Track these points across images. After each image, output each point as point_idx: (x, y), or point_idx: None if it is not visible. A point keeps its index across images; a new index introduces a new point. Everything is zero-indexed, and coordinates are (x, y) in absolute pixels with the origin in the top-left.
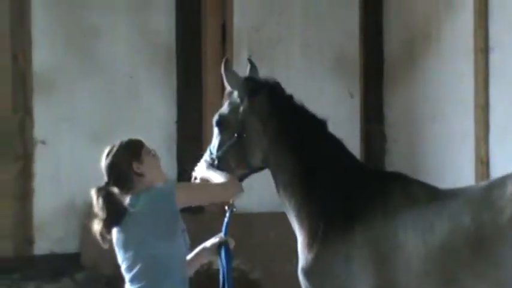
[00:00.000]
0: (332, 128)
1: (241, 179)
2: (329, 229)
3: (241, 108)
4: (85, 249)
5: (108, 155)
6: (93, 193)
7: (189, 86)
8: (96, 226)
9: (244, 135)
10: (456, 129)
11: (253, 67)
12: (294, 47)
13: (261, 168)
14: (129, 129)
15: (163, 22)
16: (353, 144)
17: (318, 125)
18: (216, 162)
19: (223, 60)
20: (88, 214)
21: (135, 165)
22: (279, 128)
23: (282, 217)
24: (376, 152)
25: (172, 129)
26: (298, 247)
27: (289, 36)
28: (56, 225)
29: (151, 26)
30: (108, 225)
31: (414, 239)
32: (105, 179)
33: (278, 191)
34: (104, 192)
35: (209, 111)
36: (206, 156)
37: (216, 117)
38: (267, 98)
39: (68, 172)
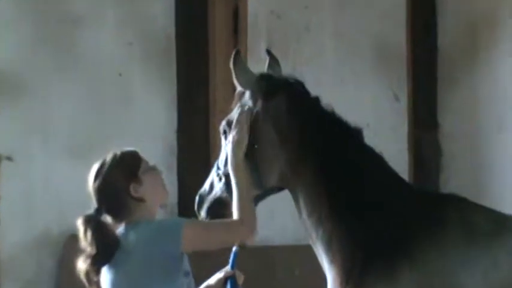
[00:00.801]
0: (371, 139)
1: (254, 202)
2: (368, 266)
3: (253, 113)
4: None
5: (97, 175)
6: (81, 223)
7: (193, 86)
8: (82, 264)
9: (256, 146)
10: None
11: (273, 61)
12: (324, 37)
13: (278, 189)
14: (118, 141)
15: (160, 7)
16: (398, 159)
17: (352, 135)
18: (223, 180)
19: (233, 52)
20: (66, 248)
21: (132, 188)
22: (301, 139)
23: (309, 251)
24: (428, 169)
25: (172, 139)
26: (328, 286)
27: (318, 23)
28: (27, 262)
29: (145, 12)
30: (97, 263)
31: (475, 280)
32: (95, 205)
33: (301, 218)
34: (94, 223)
35: (217, 117)
36: (213, 173)
37: (223, 124)
38: (287, 101)
39: (42, 196)
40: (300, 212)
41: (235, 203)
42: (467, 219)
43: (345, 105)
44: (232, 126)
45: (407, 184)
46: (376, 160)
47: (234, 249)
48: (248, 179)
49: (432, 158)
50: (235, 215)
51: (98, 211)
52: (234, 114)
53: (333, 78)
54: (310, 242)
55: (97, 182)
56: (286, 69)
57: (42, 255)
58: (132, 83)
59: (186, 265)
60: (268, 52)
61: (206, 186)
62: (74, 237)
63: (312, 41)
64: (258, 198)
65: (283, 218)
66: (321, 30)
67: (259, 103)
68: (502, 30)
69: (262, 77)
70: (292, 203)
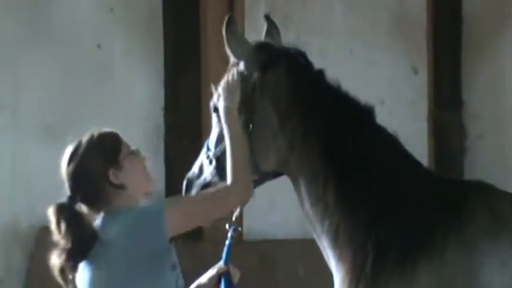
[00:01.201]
0: (386, 118)
1: None
2: (381, 263)
3: (248, 88)
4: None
5: (71, 158)
6: (52, 212)
7: (182, 59)
8: (56, 260)
9: (251, 125)
10: None
11: (272, 28)
12: (333, 2)
13: (276, 174)
14: (97, 121)
15: None
16: (417, 140)
17: (362, 114)
18: (214, 162)
19: (226, 18)
20: (37, 241)
21: (111, 174)
22: (304, 118)
23: (315, 245)
24: (452, 152)
25: (159, 118)
26: (335, 286)
27: None
28: None
29: None
30: (73, 258)
31: (502, 280)
32: (69, 192)
33: (304, 209)
34: (68, 212)
35: (209, 92)
36: (203, 155)
37: (213, 100)
38: (286, 74)
39: (9, 183)
40: (302, 202)
41: (228, 163)
42: (493, 209)
43: (355, 79)
44: (221, 92)
45: (425, 169)
46: (389, 142)
47: (227, 242)
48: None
49: (455, 139)
50: (228, 178)
51: (72, 199)
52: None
53: (342, 49)
54: (314, 236)
55: (71, 166)
56: (289, 38)
57: (9, 249)
58: (113, 56)
59: (174, 256)
60: (267, 18)
61: (195, 169)
62: (45, 230)
63: (319, 6)
64: (253, 184)
65: (285, 209)
66: None
67: (255, 76)
68: None
69: (259, 46)
70: (294, 192)
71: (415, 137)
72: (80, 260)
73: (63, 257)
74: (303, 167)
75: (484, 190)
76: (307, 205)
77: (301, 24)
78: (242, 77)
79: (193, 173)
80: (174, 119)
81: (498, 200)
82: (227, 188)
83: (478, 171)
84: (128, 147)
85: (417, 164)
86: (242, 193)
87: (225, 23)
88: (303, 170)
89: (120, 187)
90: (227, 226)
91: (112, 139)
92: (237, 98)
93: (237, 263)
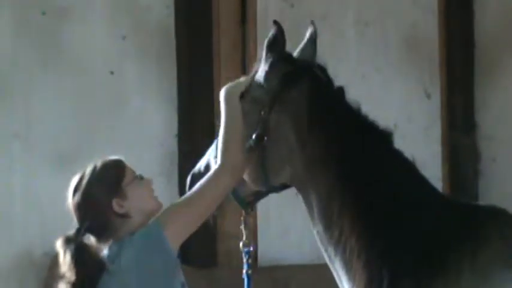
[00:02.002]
0: (399, 143)
1: (254, 200)
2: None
3: (267, 99)
4: None
5: (76, 189)
6: (60, 246)
7: (195, 85)
8: None
9: (266, 138)
10: None
11: (311, 40)
12: (345, 26)
13: (283, 187)
14: (110, 148)
15: None
16: (431, 164)
17: (380, 137)
18: None
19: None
20: (50, 270)
21: (115, 204)
22: (323, 137)
23: (329, 270)
24: (466, 176)
25: (173, 146)
26: None
27: (339, 10)
28: (6, 286)
29: (141, 0)
30: (80, 284)
31: None
32: (76, 224)
33: (316, 231)
34: (74, 245)
35: None
36: (210, 153)
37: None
38: (309, 90)
39: (22, 211)
40: (314, 223)
41: (219, 143)
42: (508, 236)
43: (368, 104)
44: None
45: (440, 194)
46: (407, 167)
47: (244, 271)
48: (252, 175)
49: (470, 163)
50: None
51: (79, 231)
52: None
53: (354, 73)
54: (326, 259)
55: (76, 198)
56: None
57: (23, 278)
58: (126, 82)
59: (181, 275)
60: (313, 23)
61: (201, 165)
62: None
63: (331, 31)
64: (259, 196)
65: (299, 234)
66: (342, 19)
67: (276, 88)
68: None
69: (283, 57)
70: (309, 217)
71: (429, 162)
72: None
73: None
74: (318, 188)
75: (497, 215)
76: (320, 227)
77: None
78: (261, 86)
79: (199, 169)
80: (187, 146)
81: (510, 224)
82: (215, 171)
83: (492, 194)
84: (132, 173)
85: (433, 189)
86: (232, 172)
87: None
88: (319, 191)
89: (125, 216)
90: (240, 245)
91: (114, 167)
92: (242, 86)
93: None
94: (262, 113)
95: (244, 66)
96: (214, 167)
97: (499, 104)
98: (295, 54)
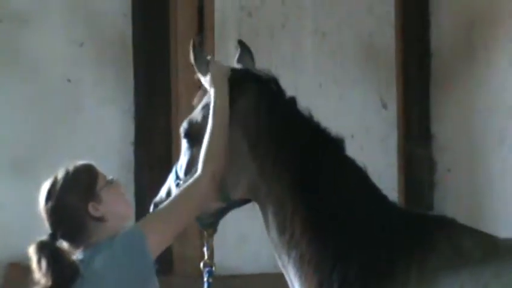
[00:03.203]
0: (356, 153)
1: (215, 220)
2: None
3: None
4: None
5: (49, 195)
6: (33, 251)
7: (153, 94)
8: None
9: None
10: None
11: (245, 54)
12: (303, 37)
13: (244, 201)
14: (66, 155)
15: (115, 2)
16: (387, 174)
17: (332, 145)
18: None
19: (193, 39)
20: (7, 279)
21: (91, 207)
22: (275, 146)
23: (285, 280)
24: (421, 186)
25: (129, 153)
26: None
27: (296, 20)
28: None
29: (99, 8)
30: None
31: None
32: (50, 229)
33: (270, 237)
34: (49, 250)
35: (180, 126)
36: (171, 180)
37: (184, 126)
38: (257, 100)
39: None
40: (268, 230)
41: (202, 150)
42: (457, 244)
43: (325, 114)
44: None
45: (391, 202)
46: (357, 175)
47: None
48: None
49: (425, 173)
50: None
51: (53, 236)
52: (197, 114)
53: (311, 83)
54: (280, 265)
55: (49, 203)
56: None
57: None
58: (83, 90)
59: (156, 282)
60: (240, 43)
61: (162, 193)
62: (15, 266)
63: (288, 41)
64: (222, 212)
65: (256, 244)
66: (300, 29)
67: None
68: (502, 30)
69: (231, 70)
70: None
71: (385, 172)
72: None
73: None
74: (271, 196)
75: (445, 223)
76: (273, 234)
77: (271, 58)
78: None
79: (161, 197)
80: (144, 154)
81: (458, 234)
82: (196, 178)
83: (447, 204)
84: (104, 177)
85: (383, 197)
86: (213, 179)
87: (191, 44)
88: (272, 199)
89: (101, 219)
90: (201, 266)
91: (87, 172)
92: (226, 89)
93: None
94: None
95: None
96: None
97: (455, 114)
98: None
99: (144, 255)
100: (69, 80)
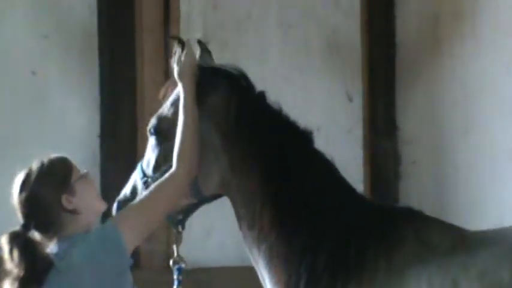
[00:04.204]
0: (322, 145)
1: (184, 217)
2: (313, 286)
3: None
4: None
5: (23, 186)
6: (5, 241)
7: (118, 86)
8: None
9: None
10: (500, 145)
11: (205, 54)
12: (268, 29)
13: (214, 197)
14: (32, 149)
15: None
16: (353, 166)
17: (301, 138)
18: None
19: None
20: None
21: (64, 199)
22: (246, 141)
23: (254, 273)
24: (387, 178)
25: (95, 145)
26: None
27: (261, 13)
28: None
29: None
30: (27, 286)
31: None
32: (22, 220)
33: (242, 231)
34: (22, 241)
35: (146, 118)
36: (136, 177)
37: (153, 122)
38: (227, 95)
39: None
40: (240, 225)
41: (175, 146)
42: (423, 236)
43: (291, 105)
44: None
45: (359, 195)
46: (326, 168)
47: (175, 282)
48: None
49: (390, 165)
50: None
51: (25, 227)
52: (166, 110)
53: (277, 76)
54: (251, 259)
55: (23, 194)
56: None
57: None
58: (48, 82)
59: (131, 276)
60: (200, 43)
61: (127, 190)
62: None
63: (254, 34)
64: (191, 208)
65: (221, 236)
66: (264, 22)
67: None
68: (467, 24)
69: (198, 68)
70: (232, 218)
71: (351, 164)
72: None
73: (16, 285)
74: (241, 190)
75: (412, 216)
76: (244, 228)
77: (237, 50)
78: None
79: (125, 195)
80: (110, 147)
81: (426, 226)
82: (171, 173)
83: (412, 196)
84: (78, 170)
85: (351, 190)
86: (188, 174)
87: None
88: (242, 193)
89: (74, 212)
90: (171, 263)
91: (62, 164)
92: (193, 83)
93: None
94: None
95: (168, 66)
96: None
97: (420, 107)
98: None
99: (119, 251)
100: (33, 73)
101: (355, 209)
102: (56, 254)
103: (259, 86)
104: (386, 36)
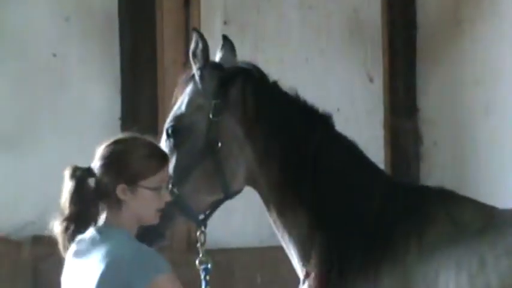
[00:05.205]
0: (342, 126)
1: (208, 215)
2: (346, 267)
3: (210, 108)
4: None
5: (117, 142)
6: (68, 172)
7: (139, 68)
8: (58, 226)
9: (220, 144)
10: None
11: (227, 48)
12: (288, 10)
13: (238, 192)
14: (53, 130)
15: None
16: (374, 148)
17: (321, 122)
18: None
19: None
20: None
21: (121, 188)
22: (266, 130)
23: (273, 254)
24: (407, 158)
25: (116, 128)
26: None
27: None
28: None
29: None
30: (72, 221)
31: (460, 283)
32: (95, 164)
33: (272, 218)
34: (80, 176)
35: (167, 101)
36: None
37: (171, 123)
38: (244, 88)
39: None
40: (270, 214)
41: None
42: (454, 216)
43: (312, 87)
44: None
45: (387, 176)
46: (352, 151)
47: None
48: (209, 186)
49: (411, 146)
50: None
51: (90, 171)
52: (182, 109)
53: (297, 57)
54: (283, 244)
55: (109, 148)
56: (246, 46)
57: None
58: (68, 65)
59: None
60: (225, 38)
61: None
62: (2, 241)
63: (274, 15)
64: (217, 204)
65: (242, 218)
66: (285, 2)
67: (215, 95)
68: (488, 3)
69: (214, 67)
70: (251, 201)
71: (371, 145)
72: (79, 229)
73: (64, 224)
74: (270, 180)
75: (444, 195)
76: (274, 215)
77: (258, 33)
78: (201, 100)
79: None
80: (130, 129)
81: (457, 205)
82: None
83: (432, 177)
84: (163, 180)
85: (379, 171)
86: None
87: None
88: (271, 183)
89: (118, 204)
90: (197, 263)
91: (157, 160)
92: None
93: (194, 272)
94: (211, 116)
95: (187, 48)
96: None
97: (441, 87)
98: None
99: (145, 279)
100: (54, 55)
101: (385, 190)
102: (98, 229)
103: (279, 68)
104: (407, 17)
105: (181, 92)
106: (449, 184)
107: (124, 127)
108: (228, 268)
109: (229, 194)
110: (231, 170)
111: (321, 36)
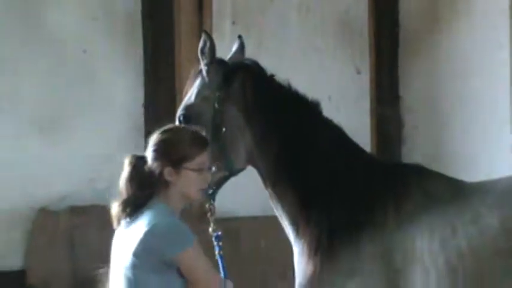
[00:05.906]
0: (334, 113)
1: (216, 189)
2: (334, 235)
3: (216, 99)
4: (31, 266)
5: (169, 129)
6: (127, 159)
7: (159, 62)
8: (116, 209)
9: (224, 129)
10: (492, 112)
11: (238, 46)
12: (289, 12)
13: (242, 169)
14: (82, 117)
15: None
16: (362, 132)
17: (310, 108)
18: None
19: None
20: (35, 224)
21: (168, 171)
22: (263, 116)
23: (275, 221)
24: (391, 142)
25: (139, 115)
26: (294, 259)
27: None
28: None
29: None
30: (129, 204)
31: (432, 249)
32: (148, 152)
33: (268, 191)
34: (138, 162)
35: (183, 90)
36: None
37: (182, 111)
38: (244, 80)
39: (7, 170)
40: (265, 185)
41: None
42: (425, 187)
43: (308, 78)
44: None
45: (369, 155)
46: (338, 133)
47: (217, 252)
48: (216, 164)
49: (394, 131)
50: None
51: (143, 158)
52: (193, 99)
53: (296, 53)
54: (277, 214)
55: (161, 136)
56: (251, 44)
57: (9, 230)
58: (97, 60)
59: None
60: (239, 37)
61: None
62: (43, 211)
63: (276, 16)
64: (223, 180)
65: (247, 190)
66: (286, 5)
67: (220, 87)
68: (463, 2)
69: (218, 63)
70: (255, 176)
71: (359, 130)
72: (133, 210)
73: (122, 206)
74: (266, 160)
75: (420, 171)
76: (269, 189)
77: (261, 32)
78: (207, 92)
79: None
80: (152, 115)
81: (431, 180)
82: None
83: (413, 158)
84: (204, 162)
85: (362, 150)
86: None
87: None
88: (266, 162)
89: (165, 184)
90: (210, 231)
91: (198, 146)
92: None
93: (206, 236)
94: (216, 105)
95: None
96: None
97: (421, 79)
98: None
99: (174, 248)
100: (84, 51)
101: (367, 165)
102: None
103: (280, 62)
104: (391, 17)
105: (191, 85)
106: (427, 163)
107: (146, 113)
108: (235, 234)
109: (233, 172)
110: (234, 152)
111: (316, 34)
